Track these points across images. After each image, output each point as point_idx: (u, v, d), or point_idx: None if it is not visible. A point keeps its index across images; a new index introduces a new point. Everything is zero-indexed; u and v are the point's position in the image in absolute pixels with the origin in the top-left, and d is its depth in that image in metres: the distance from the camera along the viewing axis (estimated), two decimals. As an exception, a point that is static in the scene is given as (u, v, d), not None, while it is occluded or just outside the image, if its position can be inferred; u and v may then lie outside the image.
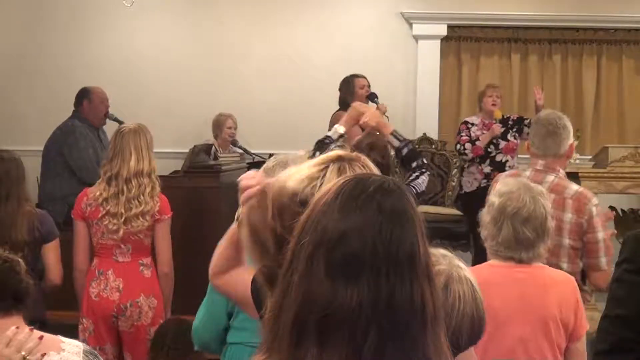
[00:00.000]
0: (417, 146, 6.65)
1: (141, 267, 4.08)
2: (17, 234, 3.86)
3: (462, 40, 7.93)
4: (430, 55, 7.70)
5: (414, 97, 7.58)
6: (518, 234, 2.75)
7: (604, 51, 7.94)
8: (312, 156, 3.86)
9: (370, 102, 6.50)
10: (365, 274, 1.25)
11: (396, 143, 3.75)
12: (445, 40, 7.82)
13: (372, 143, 3.72)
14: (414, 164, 3.73)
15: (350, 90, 6.45)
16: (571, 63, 7.94)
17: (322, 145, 3.80)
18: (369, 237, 1.27)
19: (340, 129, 3.84)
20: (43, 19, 7.62)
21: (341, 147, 3.80)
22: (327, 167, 1.80)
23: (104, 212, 4.02)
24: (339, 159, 1.79)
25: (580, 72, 7.93)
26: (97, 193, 4.05)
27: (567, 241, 3.56)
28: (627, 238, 2.06)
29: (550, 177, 3.64)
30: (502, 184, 2.91)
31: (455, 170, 7.52)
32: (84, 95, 6.23)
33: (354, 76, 6.54)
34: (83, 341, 3.92)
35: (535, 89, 6.88)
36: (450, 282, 1.79)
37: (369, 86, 6.52)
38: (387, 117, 6.38)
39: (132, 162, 4.04)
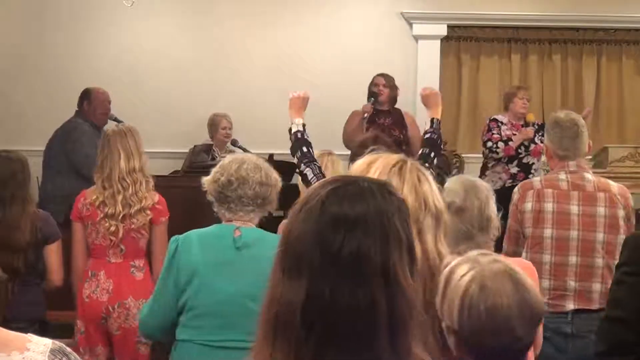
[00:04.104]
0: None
1: (132, 269, 4.06)
2: (21, 235, 3.86)
3: (462, 40, 7.93)
4: (430, 55, 7.70)
5: (414, 97, 7.56)
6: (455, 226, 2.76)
7: (604, 51, 7.95)
8: (297, 157, 3.85)
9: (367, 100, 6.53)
10: (304, 275, 1.29)
11: (427, 127, 3.81)
12: (445, 40, 7.82)
13: (365, 140, 3.70)
14: (420, 151, 3.77)
15: (369, 87, 6.51)
16: (571, 63, 7.94)
17: (299, 142, 3.79)
18: (310, 240, 1.30)
19: (298, 121, 3.84)
20: (43, 19, 7.62)
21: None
22: (401, 166, 2.03)
23: (102, 214, 4.02)
24: (407, 160, 2.03)
25: (580, 72, 7.93)
26: (94, 197, 4.05)
27: (621, 237, 3.57)
28: (627, 240, 2.07)
29: (589, 176, 3.66)
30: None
31: (455, 170, 7.51)
32: (84, 96, 6.25)
33: (376, 75, 6.57)
34: (75, 342, 3.94)
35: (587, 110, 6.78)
36: (486, 282, 1.76)
37: (384, 86, 6.52)
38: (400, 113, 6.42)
39: (122, 161, 4.04)
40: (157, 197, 4.10)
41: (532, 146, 6.51)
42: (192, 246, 2.96)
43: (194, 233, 3.04)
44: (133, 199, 4.01)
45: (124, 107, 6.68)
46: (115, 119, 6.27)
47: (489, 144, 6.55)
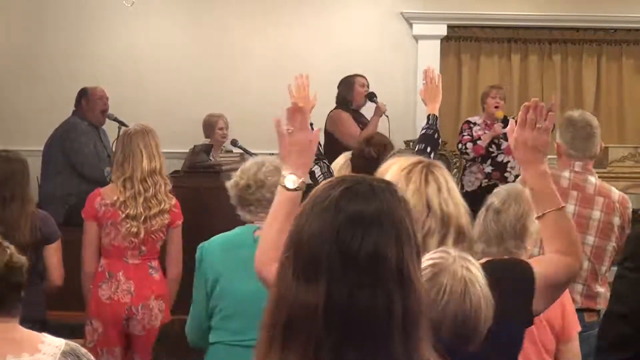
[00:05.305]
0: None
1: (151, 270, 4.07)
2: (20, 235, 3.84)
3: (462, 40, 7.94)
4: (430, 55, 7.68)
5: (414, 97, 7.55)
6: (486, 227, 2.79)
7: (604, 51, 7.95)
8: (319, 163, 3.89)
9: (369, 101, 6.51)
10: (323, 276, 1.27)
11: (423, 123, 3.85)
12: (445, 40, 7.82)
13: (370, 137, 3.73)
14: (416, 147, 3.80)
15: (350, 88, 6.47)
16: (571, 63, 7.94)
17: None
18: (327, 240, 1.28)
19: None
20: (43, 19, 7.62)
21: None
22: (411, 169, 1.98)
23: (124, 215, 3.99)
24: (420, 162, 1.99)
25: (580, 72, 7.93)
26: (115, 197, 4.01)
27: (612, 245, 3.58)
28: (630, 237, 2.07)
29: (592, 179, 3.65)
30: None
31: (455, 170, 7.51)
32: (82, 94, 6.24)
33: (354, 75, 6.57)
34: (91, 343, 3.93)
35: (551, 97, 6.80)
36: (440, 275, 1.74)
37: (368, 86, 6.54)
38: (387, 116, 6.40)
39: (145, 162, 4.02)
40: (174, 200, 4.10)
41: (505, 144, 6.52)
42: (215, 250, 2.97)
43: (217, 237, 3.05)
44: (153, 201, 4.01)
45: (124, 107, 6.67)
46: (115, 119, 6.28)
47: (459, 145, 6.69)
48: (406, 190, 1.96)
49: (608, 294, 3.62)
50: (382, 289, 1.27)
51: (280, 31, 7.67)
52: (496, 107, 6.65)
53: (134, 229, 3.98)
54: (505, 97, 6.81)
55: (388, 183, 1.39)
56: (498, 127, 6.56)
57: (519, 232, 2.74)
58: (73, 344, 2.12)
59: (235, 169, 6.24)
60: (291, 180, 2.17)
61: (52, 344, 2.08)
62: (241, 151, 6.86)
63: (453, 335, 1.73)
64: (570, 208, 3.61)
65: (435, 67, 7.66)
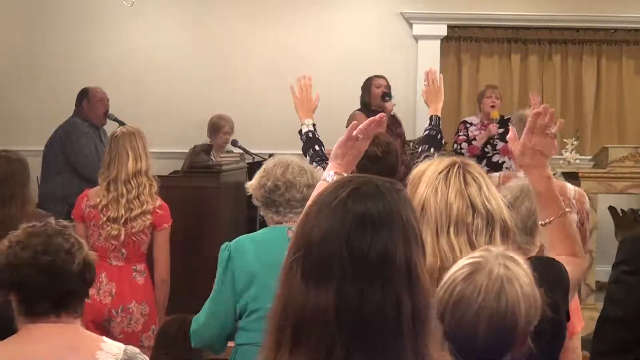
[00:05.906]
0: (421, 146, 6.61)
1: (134, 274, 4.06)
2: None
3: (462, 40, 7.93)
4: (430, 55, 7.69)
5: (414, 97, 7.57)
6: None
7: (604, 51, 7.94)
8: (309, 156, 3.88)
9: (382, 100, 6.53)
10: (334, 278, 1.27)
11: (426, 124, 3.85)
12: (445, 40, 7.82)
13: (375, 137, 3.73)
14: (420, 148, 3.80)
15: (367, 90, 6.51)
16: (571, 63, 7.94)
17: (310, 141, 3.82)
18: (336, 241, 1.28)
19: (308, 121, 3.87)
20: (43, 19, 7.62)
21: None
22: (448, 171, 1.99)
23: (105, 218, 4.01)
24: (454, 163, 2.00)
25: (580, 72, 7.93)
26: (97, 200, 4.04)
27: None
28: (625, 239, 2.07)
29: None
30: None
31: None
32: (83, 95, 6.25)
33: (373, 77, 6.58)
34: None
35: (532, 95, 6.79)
36: (476, 274, 1.67)
37: (386, 86, 6.53)
38: (393, 115, 6.42)
39: (130, 163, 4.03)
40: (159, 201, 4.10)
41: (501, 144, 6.52)
42: (246, 250, 2.90)
43: (244, 238, 2.99)
44: (135, 203, 4.01)
45: (124, 107, 6.68)
46: (115, 119, 6.28)
47: (455, 146, 6.70)
48: (447, 193, 1.97)
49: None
50: (392, 288, 1.27)
51: (280, 31, 7.67)
52: (492, 106, 6.64)
53: (114, 232, 4.00)
54: (501, 96, 6.81)
55: (392, 182, 1.39)
56: (493, 127, 6.56)
57: (530, 228, 2.75)
58: (131, 350, 2.08)
59: (235, 169, 6.31)
60: None
61: (111, 352, 2.04)
62: (241, 151, 6.88)
63: (490, 336, 1.65)
64: None
65: (435, 67, 7.69)
